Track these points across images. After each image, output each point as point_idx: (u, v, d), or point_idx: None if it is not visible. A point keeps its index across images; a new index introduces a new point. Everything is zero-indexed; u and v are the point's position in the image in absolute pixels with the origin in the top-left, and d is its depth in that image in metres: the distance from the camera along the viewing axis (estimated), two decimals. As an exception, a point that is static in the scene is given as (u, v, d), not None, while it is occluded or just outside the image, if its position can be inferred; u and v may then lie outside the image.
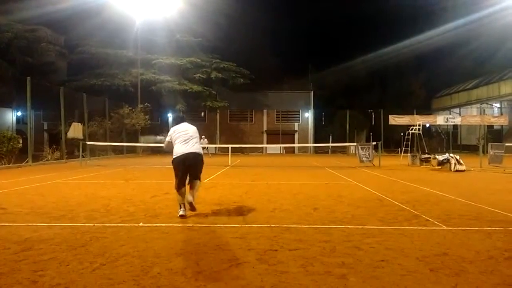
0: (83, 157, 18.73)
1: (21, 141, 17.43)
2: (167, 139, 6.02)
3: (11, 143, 16.23)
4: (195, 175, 5.87)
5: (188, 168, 5.76)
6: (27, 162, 16.57)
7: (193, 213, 5.73)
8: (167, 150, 6.13)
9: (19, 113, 32.59)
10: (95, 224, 5.12)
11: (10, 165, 15.57)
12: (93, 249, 3.96)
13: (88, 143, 20.06)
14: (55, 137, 25.20)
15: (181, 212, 5.61)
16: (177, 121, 6.39)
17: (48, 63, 30.05)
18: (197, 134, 6.05)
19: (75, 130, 21.20)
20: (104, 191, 8.43)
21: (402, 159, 19.97)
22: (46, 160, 18.49)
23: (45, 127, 34.79)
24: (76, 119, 23.89)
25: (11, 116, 31.60)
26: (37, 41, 28.03)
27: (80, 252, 3.87)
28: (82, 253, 3.82)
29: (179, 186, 5.73)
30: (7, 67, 26.18)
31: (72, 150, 21.45)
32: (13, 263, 3.52)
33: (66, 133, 20.89)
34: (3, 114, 31.34)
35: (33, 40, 27.77)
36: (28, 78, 17.27)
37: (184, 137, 5.85)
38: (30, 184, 9.71)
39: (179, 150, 5.77)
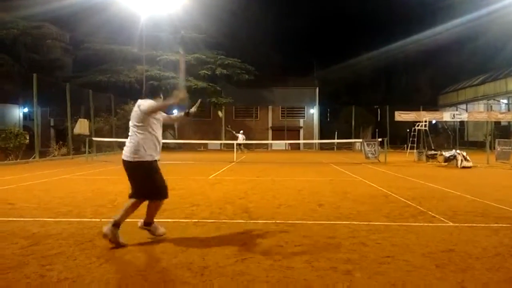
0: (90, 153, 18.83)
1: (28, 137, 17.55)
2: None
3: (18, 139, 16.35)
4: (132, 191, 4.13)
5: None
6: (34, 158, 16.69)
7: (196, 209, 5.71)
8: None
9: (25, 110, 32.83)
10: (102, 219, 5.15)
11: (17, 161, 15.70)
12: (100, 244, 3.99)
13: (94, 139, 20.16)
14: (61, 133, 25.36)
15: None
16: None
17: (54, 59, 30.22)
18: (137, 119, 4.02)
19: (81, 126, 21.31)
20: (110, 187, 8.47)
21: (408, 156, 19.87)
22: (53, 156, 18.61)
23: (52, 123, 35.00)
24: (82, 115, 24.02)
25: (18, 112, 31.84)
26: (43, 37, 28.18)
27: (87, 247, 3.90)
28: (89, 248, 3.85)
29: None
30: (13, 64, 26.34)
31: (79, 146, 21.57)
32: (21, 257, 3.56)
33: (72, 129, 21.01)
34: (10, 110, 31.60)
35: (39, 36, 27.90)
36: (35, 75, 17.36)
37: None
38: (37, 180, 9.78)
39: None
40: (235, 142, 22.35)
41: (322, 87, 39.48)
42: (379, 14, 56.73)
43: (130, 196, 4.06)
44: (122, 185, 8.80)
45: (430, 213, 5.70)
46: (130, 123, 4.05)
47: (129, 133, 4.04)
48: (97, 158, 18.97)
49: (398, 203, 6.54)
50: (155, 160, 4.08)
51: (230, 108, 37.71)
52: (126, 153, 4.03)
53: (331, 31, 56.92)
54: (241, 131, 28.13)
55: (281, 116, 39.01)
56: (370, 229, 4.71)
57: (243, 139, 26.18)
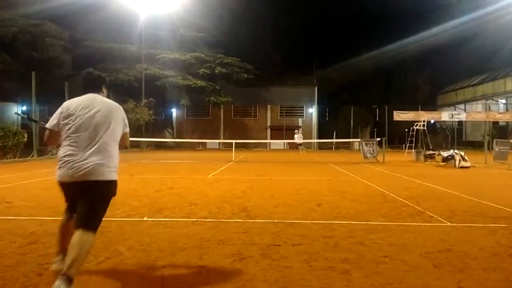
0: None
1: (26, 136, 17.52)
2: (51, 124, 3.03)
3: (16, 138, 16.32)
4: (82, 218, 2.92)
5: (78, 197, 3.06)
6: (32, 156, 16.66)
7: (194, 208, 5.70)
8: (50, 143, 3.25)
9: (24, 108, 32.74)
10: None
11: (16, 159, 15.68)
12: (98, 243, 3.97)
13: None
14: (59, 131, 25.27)
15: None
16: (83, 87, 3.11)
17: (53, 57, 30.13)
18: (115, 125, 3.06)
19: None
20: (108, 186, 8.45)
21: (407, 155, 19.91)
22: (51, 155, 18.55)
23: (50, 122, 34.89)
24: (80, 113, 23.93)
25: (16, 110, 31.75)
26: (42, 35, 28.11)
27: (85, 245, 3.89)
28: (87, 247, 3.84)
29: (64, 215, 3.23)
30: (12, 62, 26.28)
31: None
32: (19, 256, 3.56)
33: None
34: (8, 108, 31.49)
35: (38, 34, 27.85)
36: (33, 73, 17.33)
37: (82, 132, 2.90)
38: (35, 178, 9.77)
39: (62, 161, 2.90)
40: (295, 141, 22.21)
41: (321, 87, 39.50)
42: (378, 13, 56.73)
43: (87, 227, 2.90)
44: (120, 184, 8.78)
45: (428, 213, 5.71)
46: (105, 128, 3.03)
47: (97, 145, 3.02)
48: (96, 157, 18.93)
49: (396, 203, 6.55)
50: None
51: (229, 107, 37.72)
52: (111, 169, 3.28)
53: (331, 30, 56.83)
54: (296, 131, 27.94)
55: (280, 115, 39.02)
56: (368, 228, 4.71)
57: (301, 138, 26.09)
